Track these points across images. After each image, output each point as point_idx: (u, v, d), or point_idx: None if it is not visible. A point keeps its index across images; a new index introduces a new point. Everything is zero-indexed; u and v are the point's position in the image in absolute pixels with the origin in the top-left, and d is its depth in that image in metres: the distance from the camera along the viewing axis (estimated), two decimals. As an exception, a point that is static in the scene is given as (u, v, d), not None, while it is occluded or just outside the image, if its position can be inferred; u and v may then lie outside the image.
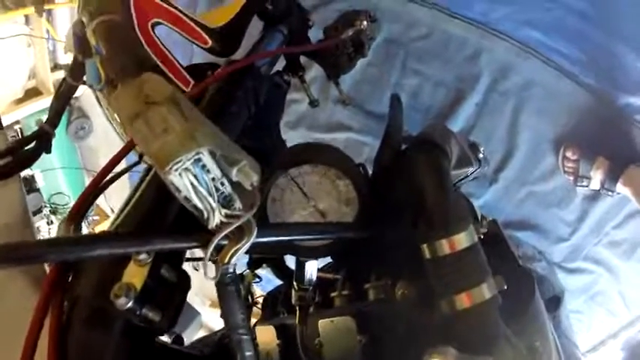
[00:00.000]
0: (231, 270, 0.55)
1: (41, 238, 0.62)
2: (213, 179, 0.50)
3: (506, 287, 0.64)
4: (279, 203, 0.73)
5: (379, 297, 0.71)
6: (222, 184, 0.51)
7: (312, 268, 0.81)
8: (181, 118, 0.44)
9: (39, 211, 3.11)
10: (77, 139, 3.17)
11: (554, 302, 1.27)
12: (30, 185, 3.03)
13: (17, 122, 2.85)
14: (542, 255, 1.84)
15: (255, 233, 0.53)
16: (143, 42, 0.81)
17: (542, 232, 1.99)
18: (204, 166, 0.48)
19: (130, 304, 0.51)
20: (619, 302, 2.00)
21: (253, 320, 1.00)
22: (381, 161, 0.79)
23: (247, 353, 0.55)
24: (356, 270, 0.79)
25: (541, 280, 0.91)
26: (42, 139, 0.97)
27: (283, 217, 0.73)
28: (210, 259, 0.52)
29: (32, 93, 2.82)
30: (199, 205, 0.49)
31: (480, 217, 0.82)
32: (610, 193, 1.85)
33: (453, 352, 0.54)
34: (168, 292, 0.57)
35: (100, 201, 3.18)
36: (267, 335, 0.89)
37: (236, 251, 0.52)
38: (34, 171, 3.06)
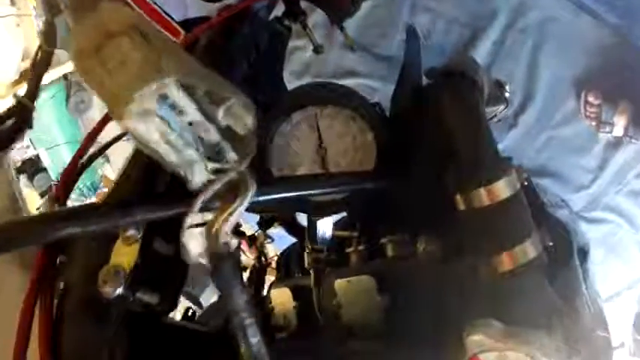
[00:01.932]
0: (225, 239, 0.44)
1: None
2: (190, 124, 0.39)
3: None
4: (283, 154, 0.64)
5: (398, 254, 0.64)
6: (207, 130, 0.40)
7: (325, 227, 0.74)
8: (143, 46, 0.33)
9: (49, 190, 3.00)
10: (78, 112, 3.05)
11: (582, 255, 1.20)
12: (36, 165, 2.96)
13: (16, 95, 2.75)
14: (565, 202, 1.77)
15: (252, 190, 0.42)
16: None
17: (562, 179, 1.91)
18: (174, 106, 0.37)
19: (120, 290, 0.44)
20: (636, 253, 1.95)
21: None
22: (399, 100, 0.70)
23: (253, 340, 0.45)
24: (372, 223, 0.71)
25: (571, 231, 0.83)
26: (21, 115, 0.87)
27: (289, 169, 0.64)
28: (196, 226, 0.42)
29: (28, 74, 2.72)
30: (174, 158, 0.38)
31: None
32: (633, 140, 1.79)
33: (498, 326, 0.46)
34: (164, 269, 0.49)
35: (108, 171, 3.12)
36: (283, 297, 0.83)
37: (229, 216, 0.42)
38: (39, 150, 2.99)
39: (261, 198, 0.48)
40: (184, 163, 0.39)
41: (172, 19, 0.76)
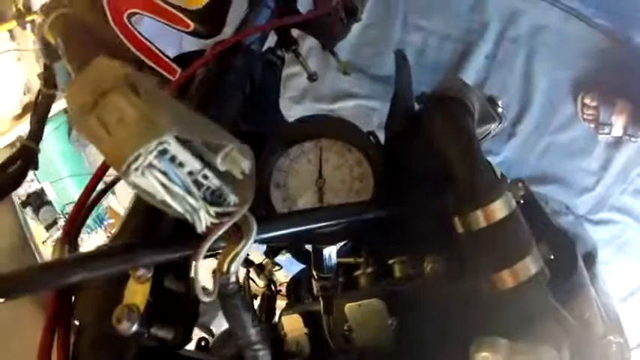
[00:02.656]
0: (232, 279, 0.47)
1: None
2: (190, 173, 0.41)
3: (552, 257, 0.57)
4: (283, 188, 0.66)
5: (407, 273, 0.65)
6: (206, 176, 0.42)
7: (330, 254, 0.75)
8: (138, 101, 0.35)
9: (54, 223, 3.01)
10: (81, 145, 3.08)
11: (590, 260, 1.20)
12: (41, 199, 2.97)
13: (20, 137, 2.79)
14: (569, 209, 1.77)
15: (254, 230, 0.45)
16: (121, 35, 0.74)
17: (565, 184, 1.91)
18: (173, 158, 0.39)
19: (135, 328, 0.45)
20: (646, 251, 1.93)
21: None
22: (392, 126, 0.72)
23: None
24: (378, 248, 0.72)
25: (575, 238, 0.84)
26: (26, 157, 0.90)
27: (290, 202, 0.66)
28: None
29: (30, 107, 2.74)
30: (178, 207, 0.41)
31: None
32: (633, 138, 1.78)
33: (503, 343, 0.47)
34: (177, 305, 0.51)
35: (114, 203, 3.15)
36: (294, 324, 0.85)
37: (235, 256, 0.44)
38: (43, 184, 3.01)
39: (265, 235, 0.50)
40: (187, 211, 0.41)
41: (167, 57, 0.78)
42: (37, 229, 2.76)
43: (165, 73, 0.74)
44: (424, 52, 1.93)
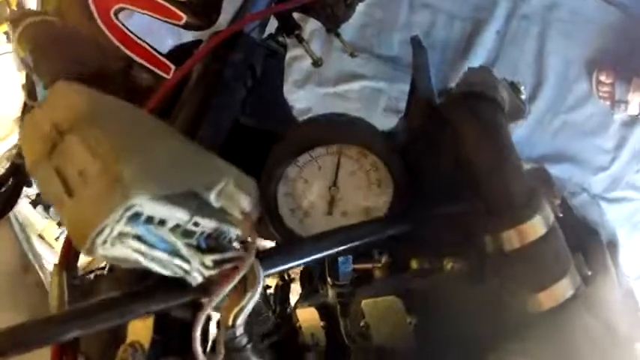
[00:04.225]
0: (240, 331, 0.41)
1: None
2: (177, 225, 0.34)
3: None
4: (291, 198, 0.60)
5: (424, 267, 0.61)
6: (197, 223, 0.35)
7: (346, 260, 0.70)
8: (101, 147, 0.29)
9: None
10: None
11: (612, 248, 1.16)
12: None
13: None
14: (584, 190, 1.74)
15: (261, 278, 0.38)
16: (108, 33, 0.68)
17: (580, 163, 1.87)
18: (150, 219, 0.32)
19: None
20: (661, 229, 1.91)
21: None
22: (411, 123, 0.66)
23: None
24: (394, 248, 0.68)
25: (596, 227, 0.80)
26: (18, 175, 0.84)
27: (299, 213, 0.61)
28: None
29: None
30: (164, 272, 0.35)
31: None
32: (649, 116, 1.74)
33: None
34: (184, 334, 0.46)
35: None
36: (309, 316, 0.81)
37: (241, 311, 0.38)
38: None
39: (273, 271, 0.45)
40: (176, 273, 0.36)
41: (160, 53, 0.72)
42: (49, 225, 2.75)
43: (158, 71, 0.68)
44: (431, 32, 1.86)
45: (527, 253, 0.48)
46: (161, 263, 0.34)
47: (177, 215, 0.33)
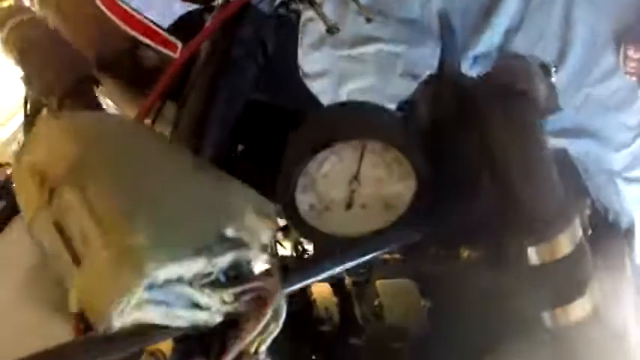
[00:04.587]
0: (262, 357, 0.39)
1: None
2: (193, 279, 0.32)
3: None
4: (310, 192, 0.57)
5: (441, 254, 0.60)
6: (215, 264, 0.33)
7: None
8: (99, 206, 0.26)
9: None
10: None
11: (629, 235, 1.14)
12: None
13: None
14: (604, 168, 1.70)
15: (284, 310, 0.36)
16: (109, 14, 0.64)
17: (602, 139, 1.81)
18: (168, 280, 0.30)
19: None
20: (681, 210, 1.85)
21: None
22: (438, 109, 0.62)
23: None
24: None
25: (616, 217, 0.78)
26: (12, 195, 0.80)
27: (318, 207, 0.58)
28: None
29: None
30: (185, 325, 0.33)
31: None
32: (675, 94, 1.68)
33: None
34: (206, 342, 0.45)
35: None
36: (323, 292, 0.80)
37: (264, 340, 0.36)
38: None
39: (295, 287, 0.44)
40: (197, 323, 0.33)
41: (163, 29, 0.68)
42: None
43: (164, 50, 0.64)
44: (453, -4, 1.77)
45: (549, 271, 0.46)
46: (182, 319, 0.32)
47: (195, 269, 0.31)
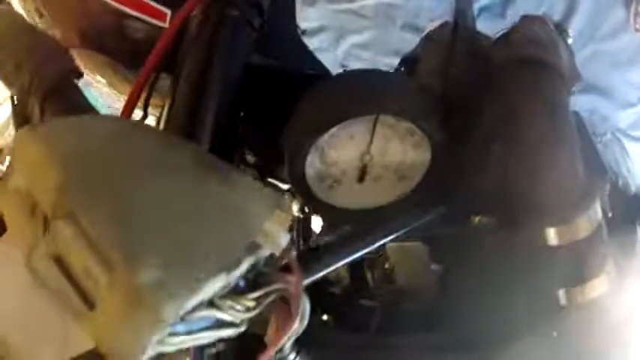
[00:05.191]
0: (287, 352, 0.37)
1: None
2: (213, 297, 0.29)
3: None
4: (320, 166, 0.55)
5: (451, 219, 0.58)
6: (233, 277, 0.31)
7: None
8: (100, 241, 0.23)
9: None
10: (83, 85, 2.93)
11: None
12: None
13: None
14: (610, 125, 1.66)
15: (307, 310, 0.35)
16: None
17: (608, 96, 1.76)
18: (188, 312, 0.27)
19: None
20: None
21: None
22: (452, 69, 0.59)
23: None
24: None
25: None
26: None
27: (329, 181, 0.56)
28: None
29: None
30: (208, 342, 0.31)
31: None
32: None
33: None
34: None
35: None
36: None
37: (288, 339, 0.35)
38: None
39: (317, 276, 0.44)
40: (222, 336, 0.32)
41: None
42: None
43: (153, 21, 0.60)
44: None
45: (567, 252, 0.45)
46: (206, 339, 0.30)
47: (215, 289, 0.29)
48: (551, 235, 0.43)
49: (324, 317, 0.71)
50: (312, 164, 0.54)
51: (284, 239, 0.32)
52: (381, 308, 0.65)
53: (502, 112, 0.49)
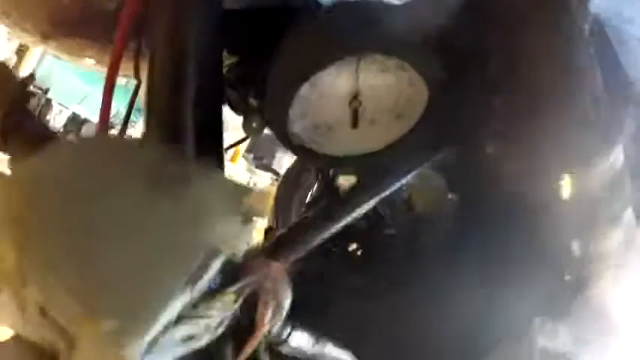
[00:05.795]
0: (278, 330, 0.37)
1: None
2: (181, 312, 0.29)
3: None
4: (307, 116, 0.52)
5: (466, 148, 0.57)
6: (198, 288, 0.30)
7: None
8: (61, 295, 0.25)
9: None
10: None
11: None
12: (77, 121, 3.24)
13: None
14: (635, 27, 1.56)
15: (289, 293, 0.34)
16: None
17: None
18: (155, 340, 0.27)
19: None
20: None
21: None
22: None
23: None
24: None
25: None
26: None
27: (321, 130, 0.53)
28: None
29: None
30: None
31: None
32: None
33: None
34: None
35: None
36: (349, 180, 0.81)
37: (273, 326, 0.35)
38: (72, 108, 3.19)
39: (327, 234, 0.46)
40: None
41: None
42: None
43: None
44: None
45: (584, 202, 0.43)
46: (183, 351, 0.30)
47: (178, 307, 0.28)
48: (569, 185, 0.41)
49: (352, 246, 0.74)
50: (299, 116, 0.51)
51: (242, 243, 0.32)
52: (402, 238, 0.68)
53: (510, 55, 0.45)
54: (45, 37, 0.64)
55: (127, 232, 0.29)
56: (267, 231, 0.68)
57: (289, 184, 1.17)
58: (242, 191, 0.33)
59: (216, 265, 0.30)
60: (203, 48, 0.50)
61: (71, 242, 0.28)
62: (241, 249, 0.32)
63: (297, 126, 0.52)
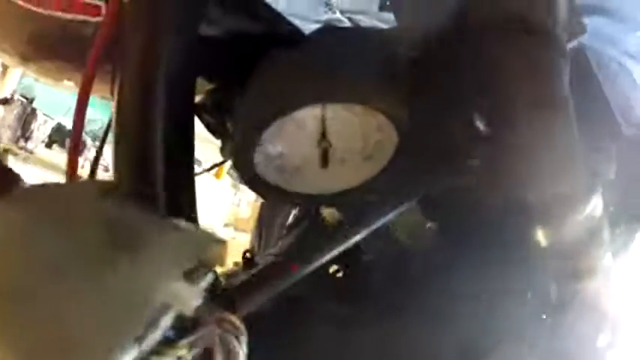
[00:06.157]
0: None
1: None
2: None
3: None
4: (274, 158, 0.50)
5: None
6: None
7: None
8: None
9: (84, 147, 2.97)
10: None
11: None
12: (62, 132, 3.20)
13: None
14: (617, 50, 1.58)
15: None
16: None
17: (617, 18, 1.65)
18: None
19: None
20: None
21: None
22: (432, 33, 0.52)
23: None
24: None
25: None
26: None
27: (288, 172, 0.51)
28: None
29: None
30: None
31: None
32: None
33: None
34: None
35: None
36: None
37: None
38: (57, 119, 3.20)
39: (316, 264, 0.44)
40: None
41: None
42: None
43: (88, 18, 0.55)
44: None
45: (561, 250, 0.41)
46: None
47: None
48: (546, 236, 0.39)
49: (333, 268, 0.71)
50: (265, 158, 0.49)
51: (194, 299, 0.32)
52: (383, 264, 0.66)
53: (481, 85, 0.43)
54: (24, 58, 0.64)
55: (79, 290, 0.30)
56: (245, 253, 0.66)
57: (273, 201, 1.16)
58: (204, 242, 0.34)
59: (166, 322, 0.31)
60: (173, 73, 0.49)
61: (18, 303, 0.29)
62: (193, 305, 0.32)
63: (263, 167, 0.50)
